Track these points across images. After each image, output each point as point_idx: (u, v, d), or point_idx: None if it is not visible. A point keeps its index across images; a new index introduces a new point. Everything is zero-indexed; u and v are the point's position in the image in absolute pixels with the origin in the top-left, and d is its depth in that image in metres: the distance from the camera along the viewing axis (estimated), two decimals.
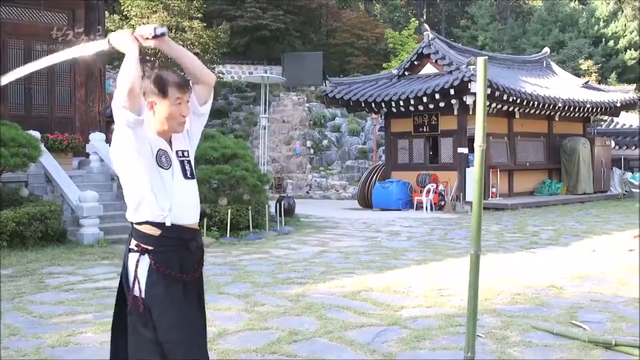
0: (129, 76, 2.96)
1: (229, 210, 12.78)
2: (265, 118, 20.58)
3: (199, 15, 28.44)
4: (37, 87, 16.60)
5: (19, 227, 10.81)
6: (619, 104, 24.45)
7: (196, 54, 27.98)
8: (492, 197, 20.22)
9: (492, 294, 7.49)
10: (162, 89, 3.13)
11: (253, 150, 24.92)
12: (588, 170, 23.11)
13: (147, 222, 3.13)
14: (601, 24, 42.91)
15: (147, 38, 3.09)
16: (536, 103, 20.84)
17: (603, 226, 14.94)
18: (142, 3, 26.81)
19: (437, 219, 17.07)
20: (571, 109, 22.55)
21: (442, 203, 19.93)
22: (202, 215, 3.39)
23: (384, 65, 36.44)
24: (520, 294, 7.57)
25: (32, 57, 16.42)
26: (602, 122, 29.07)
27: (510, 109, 20.91)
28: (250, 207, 13.41)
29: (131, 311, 3.15)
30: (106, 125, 18.13)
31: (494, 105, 19.91)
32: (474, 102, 18.74)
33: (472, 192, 16.83)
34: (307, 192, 27.22)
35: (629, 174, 24.37)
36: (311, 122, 32.08)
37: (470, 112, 19.71)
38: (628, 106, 25.41)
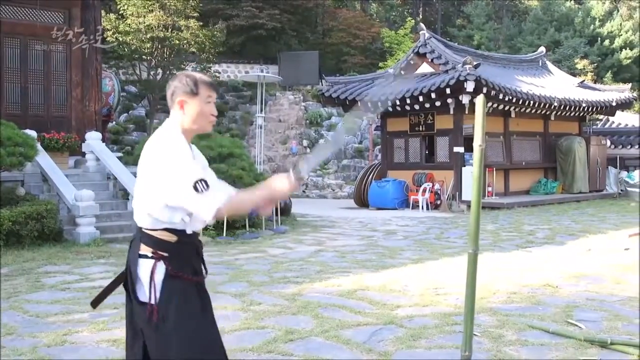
0: (232, 209, 3.06)
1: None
2: (262, 117, 20.58)
3: (195, 15, 28.35)
4: (33, 86, 16.60)
5: (15, 226, 10.80)
6: (614, 103, 24.50)
7: (192, 53, 28.05)
8: (488, 196, 20.24)
9: (488, 292, 7.51)
10: (193, 86, 3.13)
11: (249, 150, 24.94)
12: (584, 170, 23.15)
13: (165, 229, 3.09)
14: (597, 23, 42.94)
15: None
16: (532, 102, 20.87)
17: (599, 225, 14.97)
18: (139, 2, 26.72)
19: (433, 218, 17.08)
20: (567, 108, 22.59)
21: (438, 202, 19.95)
22: None
23: (380, 64, 36.44)
24: (516, 293, 7.58)
25: (28, 56, 16.43)
26: (598, 121, 29.09)
27: (506, 108, 20.94)
28: None
29: (148, 319, 3.05)
30: (102, 124, 18.15)
31: (489, 104, 19.91)
32: (470, 101, 18.94)
33: (468, 191, 16.89)
34: (303, 192, 27.20)
35: (624, 173, 24.40)
36: (307, 121, 32.08)
37: (466, 111, 19.75)
38: (623, 105, 25.46)
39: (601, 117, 28.38)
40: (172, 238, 3.09)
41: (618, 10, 45.28)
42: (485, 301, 7.05)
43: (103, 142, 15.67)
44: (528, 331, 5.94)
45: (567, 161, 23.09)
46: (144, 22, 26.55)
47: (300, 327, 6.10)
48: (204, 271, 3.25)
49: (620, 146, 25.71)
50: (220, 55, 32.13)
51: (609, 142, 25.31)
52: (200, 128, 3.20)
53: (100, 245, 11.60)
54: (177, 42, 26.82)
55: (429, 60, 21.45)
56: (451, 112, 20.03)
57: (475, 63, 18.87)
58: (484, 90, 18.81)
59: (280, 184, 3.10)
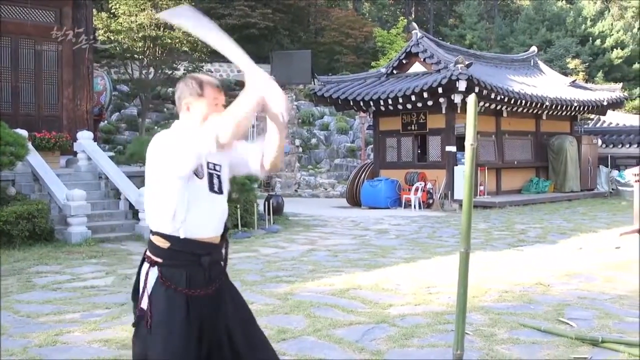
0: (243, 116, 2.90)
1: None
2: (254, 116, 20.51)
3: None
4: (24, 85, 16.54)
5: (6, 226, 10.77)
6: (605, 103, 24.57)
7: (184, 52, 27.99)
8: (480, 195, 20.27)
9: (480, 291, 7.52)
10: (199, 88, 3.07)
11: None
12: (575, 169, 23.21)
13: (158, 233, 3.03)
14: (588, 23, 43.07)
15: (277, 105, 3.01)
16: (524, 102, 20.91)
17: (590, 224, 15.02)
18: (130, 1, 26.64)
19: (426, 217, 17.10)
20: (558, 108, 22.65)
21: (431, 201, 19.97)
22: (226, 229, 3.26)
23: (373, 63, 36.49)
24: (508, 292, 7.60)
25: (19, 55, 16.37)
26: (589, 121, 29.17)
27: (498, 107, 20.98)
28: (238, 206, 13.40)
29: (138, 321, 3.04)
30: (94, 123, 18.09)
31: (481, 103, 19.93)
32: (462, 100, 18.96)
33: (460, 190, 16.88)
34: (296, 191, 27.20)
35: (615, 172, 24.47)
36: (300, 120, 32.07)
37: (458, 111, 19.78)
38: (615, 105, 25.54)
39: (592, 116, 28.46)
40: (165, 244, 3.01)
41: (609, 10, 45.43)
42: (477, 300, 7.07)
43: (94, 141, 15.62)
44: (520, 330, 5.96)
45: (559, 160, 23.15)
46: (136, 21, 26.47)
47: (293, 326, 6.10)
48: (206, 284, 3.06)
49: (612, 145, 25.77)
50: (213, 55, 31.89)
51: (600, 142, 25.37)
52: None
53: (92, 245, 11.56)
54: (169, 41, 26.73)
55: (421, 59, 21.46)
56: (443, 111, 20.04)
57: (467, 62, 18.90)
58: (476, 89, 18.83)
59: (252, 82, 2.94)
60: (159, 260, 3.02)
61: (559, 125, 24.48)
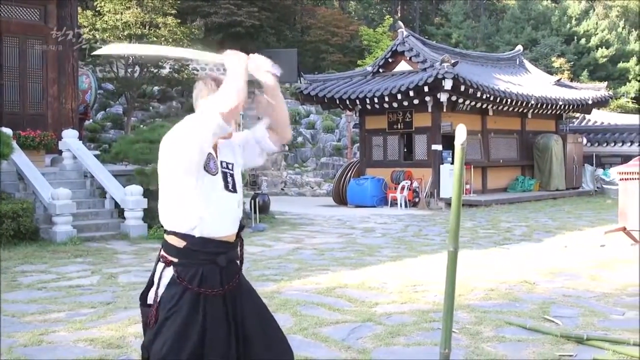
0: (240, 90, 2.89)
1: None
2: (240, 115, 20.49)
3: (172, 12, 28.24)
4: (8, 83, 16.42)
5: None
6: (590, 102, 24.71)
7: None
8: (466, 193, 20.31)
9: (466, 289, 7.54)
10: (217, 88, 2.99)
11: None
12: (560, 167, 23.31)
13: (173, 233, 3.00)
14: (573, 22, 43.32)
15: (261, 71, 3.05)
16: (509, 100, 20.98)
17: (575, 222, 15.09)
18: None
19: (412, 216, 17.14)
20: (544, 106, 22.75)
21: (417, 200, 20.01)
22: (241, 228, 3.25)
23: (359, 62, 36.50)
24: (494, 290, 7.63)
25: (3, 53, 16.26)
26: (574, 119, 29.33)
27: (484, 106, 21.04)
28: None
29: (147, 320, 3.01)
30: (79, 122, 18.01)
31: (467, 102, 20.02)
32: (448, 99, 19.02)
33: (446, 188, 16.93)
34: (282, 189, 27.19)
35: (600, 171, 24.60)
36: None
37: (444, 109, 19.83)
38: (600, 103, 25.68)
39: (578, 115, 28.62)
40: (180, 243, 2.99)
41: (594, 10, 45.70)
42: (463, 298, 7.09)
43: (80, 140, 15.55)
44: (505, 327, 5.98)
45: (544, 159, 23.24)
46: (121, 19, 26.40)
47: (279, 324, 6.08)
48: (221, 283, 3.05)
49: (597, 144, 25.92)
50: None
51: (585, 140, 25.51)
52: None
53: (77, 244, 11.52)
54: (155, 39, 26.66)
55: (407, 58, 21.50)
56: (429, 110, 20.08)
57: (453, 61, 18.93)
58: (462, 88, 18.90)
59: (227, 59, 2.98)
60: (175, 259, 2.99)
61: (544, 123, 24.59)
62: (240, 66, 2.96)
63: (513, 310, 6.67)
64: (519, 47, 28.50)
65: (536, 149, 23.59)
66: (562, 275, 8.54)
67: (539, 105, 22.41)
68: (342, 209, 19.99)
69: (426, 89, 19.12)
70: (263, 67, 3.06)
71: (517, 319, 6.24)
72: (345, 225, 15.11)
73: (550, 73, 31.07)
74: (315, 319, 6.27)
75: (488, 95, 20.09)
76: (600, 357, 5.10)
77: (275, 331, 3.30)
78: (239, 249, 3.24)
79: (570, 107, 24.25)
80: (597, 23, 43.28)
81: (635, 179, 11.20)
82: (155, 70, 27.95)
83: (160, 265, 3.04)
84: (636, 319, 6.27)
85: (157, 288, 2.99)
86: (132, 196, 12.84)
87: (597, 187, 24.27)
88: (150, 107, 32.18)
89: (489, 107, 21.31)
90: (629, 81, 41.00)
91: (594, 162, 25.11)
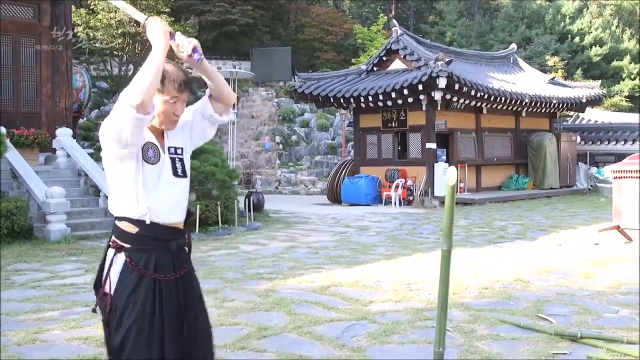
0: (150, 76, 2.83)
1: (198, 206, 12.74)
2: (234, 113, 20.50)
3: (167, 10, 28.23)
4: (2, 81, 16.36)
5: None
6: (584, 100, 24.77)
7: None
8: (460, 192, 20.35)
9: (460, 288, 7.55)
10: (160, 83, 2.98)
11: (222, 146, 24.83)
12: (554, 165, 23.36)
13: (125, 219, 3.00)
14: (567, 20, 43.37)
15: (182, 53, 2.99)
16: (503, 99, 21.01)
17: (569, 220, 15.13)
18: None
19: (406, 214, 17.15)
20: (538, 105, 22.80)
21: (411, 198, 20.02)
22: (189, 215, 3.24)
23: (353, 60, 36.48)
24: (488, 288, 7.64)
25: None
26: (568, 118, 29.39)
27: (478, 104, 21.07)
28: (219, 203, 13.37)
29: (99, 308, 3.02)
30: (73, 120, 17.96)
31: (461, 100, 20.05)
32: (442, 97, 19.05)
33: (440, 187, 16.93)
34: (276, 188, 27.19)
35: (594, 169, 24.66)
36: (280, 117, 32.02)
37: (439, 108, 19.86)
38: (593, 102, 25.74)
39: (571, 113, 28.68)
40: (133, 229, 3.00)
41: (588, 8, 45.75)
42: (457, 296, 7.09)
43: (74, 138, 15.53)
44: (499, 326, 5.99)
45: (538, 157, 23.29)
46: (115, 17, 26.36)
47: (273, 323, 6.09)
48: (173, 269, 3.07)
49: (590, 142, 25.98)
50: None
51: (579, 139, 25.58)
52: (162, 125, 3.10)
53: (71, 242, 11.50)
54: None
55: (402, 56, 21.52)
56: (423, 108, 20.11)
57: (447, 59, 18.96)
58: (456, 86, 18.92)
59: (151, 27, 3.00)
60: (127, 245, 3.00)
61: (538, 122, 24.64)
62: (161, 44, 2.93)
63: (507, 308, 6.68)
64: (513, 46, 28.55)
65: (530, 147, 23.64)
66: (556, 274, 8.55)
67: (533, 104, 22.45)
68: (336, 207, 19.99)
69: (420, 87, 19.13)
70: (185, 50, 2.99)
71: (511, 317, 6.25)
72: (340, 224, 15.12)
73: (544, 71, 31.12)
74: (309, 318, 6.27)
75: (482, 94, 20.11)
76: (594, 355, 5.11)
77: (207, 326, 3.31)
78: (186, 236, 3.24)
79: (564, 106, 24.31)
80: (590, 21, 43.34)
81: (629, 177, 11.22)
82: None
83: (111, 251, 3.03)
84: (629, 317, 6.29)
85: (109, 275, 2.99)
86: None
87: (591, 186, 24.34)
88: None
89: (483, 105, 21.35)
90: (623, 79, 41.06)
91: (588, 160, 25.18)
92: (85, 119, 26.99)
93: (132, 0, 26.31)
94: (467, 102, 20.29)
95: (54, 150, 15.31)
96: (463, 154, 21.23)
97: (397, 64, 21.79)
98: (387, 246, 11.41)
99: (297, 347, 5.38)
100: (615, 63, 41.52)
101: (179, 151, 3.16)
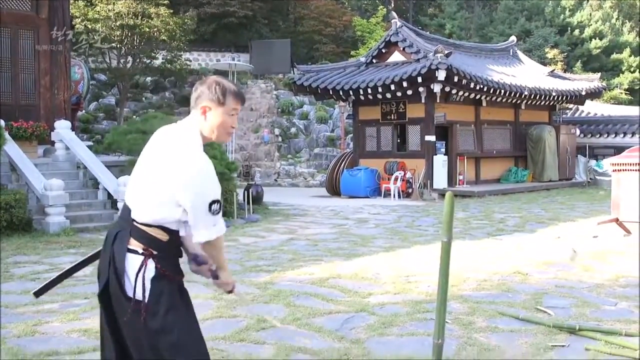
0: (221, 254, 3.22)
1: None
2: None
3: (165, 2, 28.14)
4: (0, 74, 16.35)
5: None
6: (584, 93, 24.75)
7: (163, 41, 27.82)
8: (459, 184, 20.38)
9: (459, 280, 7.56)
10: (221, 96, 3.07)
11: None
12: (553, 158, 23.35)
13: (160, 227, 3.04)
14: (567, 13, 43.26)
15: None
16: (503, 91, 20.99)
17: (568, 213, 15.13)
18: None
19: (405, 207, 17.15)
20: (537, 97, 22.78)
21: (410, 190, 20.02)
22: None
23: (352, 52, 36.43)
24: (487, 280, 7.65)
25: None
26: (568, 110, 29.35)
27: (477, 97, 21.06)
28: None
29: (133, 316, 2.99)
30: (72, 113, 17.95)
31: (461, 93, 20.04)
32: (441, 89, 19.02)
33: (439, 179, 16.94)
34: (275, 180, 27.19)
35: (593, 162, 24.66)
36: (279, 109, 32.00)
37: (438, 100, 19.84)
38: (593, 95, 25.72)
39: (571, 106, 28.63)
40: (165, 237, 3.05)
41: (587, 0, 45.64)
42: (456, 289, 7.10)
43: (72, 130, 15.51)
44: (498, 318, 6.00)
45: (537, 150, 23.28)
46: (114, 9, 26.31)
47: (273, 315, 6.10)
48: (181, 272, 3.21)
49: (590, 135, 25.96)
50: (191, 43, 31.95)
51: (578, 131, 25.56)
52: (217, 138, 3.14)
53: (70, 234, 11.50)
54: (147, 29, 26.59)
55: (401, 48, 21.49)
56: (423, 100, 20.08)
57: (446, 52, 18.93)
58: (455, 79, 18.90)
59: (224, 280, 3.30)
60: (156, 252, 3.04)
61: (537, 114, 24.63)
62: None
63: (506, 300, 6.69)
64: (513, 38, 28.51)
65: (529, 140, 23.63)
66: (555, 266, 8.56)
67: (532, 96, 22.44)
68: (335, 199, 20.00)
69: (420, 79, 19.11)
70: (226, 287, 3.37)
71: (510, 310, 6.27)
72: (339, 216, 15.12)
73: (544, 64, 31.08)
74: (308, 310, 6.28)
75: (481, 86, 20.09)
76: (592, 347, 5.13)
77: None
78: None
79: (564, 98, 24.29)
80: (590, 14, 43.22)
81: (628, 170, 11.22)
82: (148, 61, 27.86)
83: (138, 257, 3.03)
84: (628, 310, 6.30)
85: (143, 281, 3.00)
86: (125, 187, 12.79)
87: (590, 178, 24.34)
88: (143, 98, 32.09)
89: (483, 98, 21.33)
90: (622, 72, 40.99)
91: (587, 153, 25.18)
92: (83, 111, 26.99)
93: None
94: (466, 94, 20.28)
95: (52, 143, 15.30)
96: (462, 146, 21.22)
97: (396, 56, 21.76)
98: (386, 238, 11.41)
99: (296, 339, 5.39)
100: (615, 56, 41.44)
101: None
